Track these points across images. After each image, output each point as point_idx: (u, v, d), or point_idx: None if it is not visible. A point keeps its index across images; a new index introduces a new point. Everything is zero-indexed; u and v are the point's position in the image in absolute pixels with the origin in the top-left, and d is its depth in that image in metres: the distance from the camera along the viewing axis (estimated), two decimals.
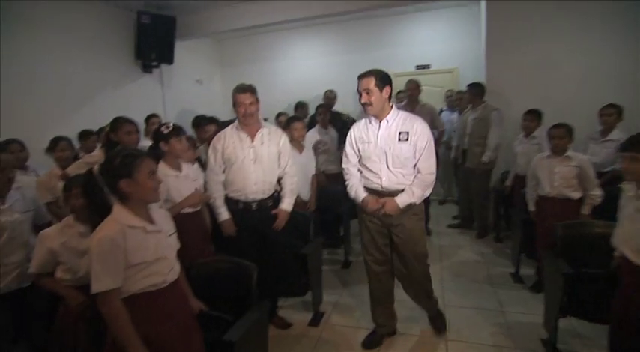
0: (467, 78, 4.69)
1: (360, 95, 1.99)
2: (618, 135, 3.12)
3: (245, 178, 2.25)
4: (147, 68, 4.87)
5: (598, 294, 1.91)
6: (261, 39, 6.18)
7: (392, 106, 2.05)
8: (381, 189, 2.07)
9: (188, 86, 5.75)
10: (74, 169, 2.36)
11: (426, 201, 2.35)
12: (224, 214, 2.28)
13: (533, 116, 3.38)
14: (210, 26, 4.92)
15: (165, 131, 2.11)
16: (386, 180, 2.05)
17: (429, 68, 5.43)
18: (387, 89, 1.98)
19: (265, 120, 2.50)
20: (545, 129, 2.88)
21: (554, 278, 2.11)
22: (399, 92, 4.46)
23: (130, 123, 2.47)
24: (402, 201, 2.01)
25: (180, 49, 5.09)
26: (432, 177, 2.04)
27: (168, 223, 1.50)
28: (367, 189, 2.13)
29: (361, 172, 2.16)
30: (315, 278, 2.60)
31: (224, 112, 5.35)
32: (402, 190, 2.04)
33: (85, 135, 3.34)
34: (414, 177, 2.04)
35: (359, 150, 2.12)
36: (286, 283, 2.43)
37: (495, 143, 3.71)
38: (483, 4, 4.08)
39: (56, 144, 2.71)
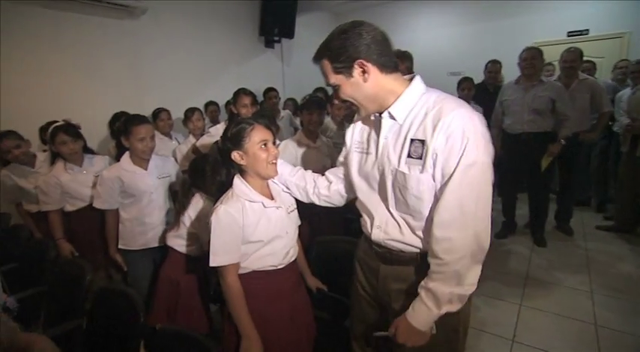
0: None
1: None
2: None
3: None
4: (269, 43, 5.03)
5: None
6: (381, 11, 5.86)
7: (411, 80, 1.06)
8: (376, 243, 1.15)
9: (306, 61, 5.76)
10: (202, 143, 2.51)
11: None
12: None
13: None
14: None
15: (301, 103, 2.16)
16: (380, 231, 1.12)
17: (587, 34, 4.42)
18: (357, 65, 1.00)
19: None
20: None
21: None
22: (548, 64, 3.71)
23: (247, 95, 2.45)
24: (419, 321, 1.01)
25: (300, 24, 5.11)
26: (468, 254, 0.96)
27: (290, 199, 1.43)
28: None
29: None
30: None
31: None
32: (408, 257, 1.09)
33: (207, 105, 3.67)
34: (431, 261, 1.00)
35: (349, 162, 1.22)
36: None
37: None
38: None
39: (192, 115, 2.93)
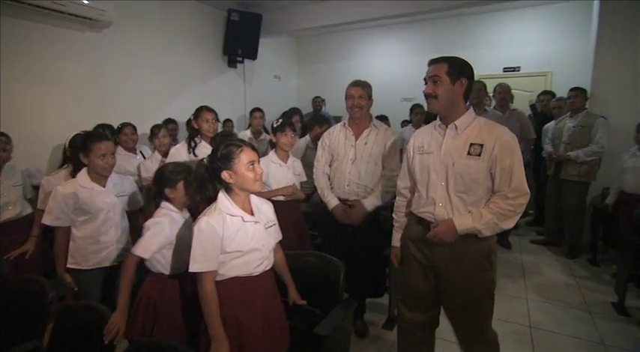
0: (563, 83, 4.28)
1: (426, 83, 1.56)
2: None
3: (341, 178, 2.24)
4: (232, 63, 5.12)
5: None
6: (339, 37, 6.21)
7: (468, 108, 1.56)
8: (433, 221, 1.57)
9: (267, 81, 5.96)
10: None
11: None
12: (333, 201, 2.25)
13: None
14: (294, 23, 5.03)
15: (275, 125, 2.30)
16: (441, 208, 1.54)
17: (519, 70, 5.05)
18: (462, 81, 1.48)
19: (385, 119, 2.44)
20: None
21: None
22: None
23: (210, 110, 2.51)
24: (461, 222, 1.48)
25: (262, 45, 5.28)
26: (523, 202, 1.46)
27: (270, 215, 1.54)
28: (415, 218, 1.68)
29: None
30: (394, 281, 2.52)
31: (299, 107, 5.46)
32: None
33: (167, 123, 3.64)
34: (493, 199, 1.49)
35: (413, 165, 1.66)
36: (367, 283, 2.38)
37: (597, 150, 3.33)
38: (596, 3, 3.67)
39: (158, 132, 2.93)
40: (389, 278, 2.45)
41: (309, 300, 1.70)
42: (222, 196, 1.40)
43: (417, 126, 3.87)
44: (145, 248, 1.56)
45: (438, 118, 1.61)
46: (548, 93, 4.38)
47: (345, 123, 2.29)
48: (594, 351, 2.24)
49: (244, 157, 1.37)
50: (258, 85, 5.65)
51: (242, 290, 1.39)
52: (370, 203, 2.18)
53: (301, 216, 2.40)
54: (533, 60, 4.95)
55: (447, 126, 1.55)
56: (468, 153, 1.47)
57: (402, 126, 4.75)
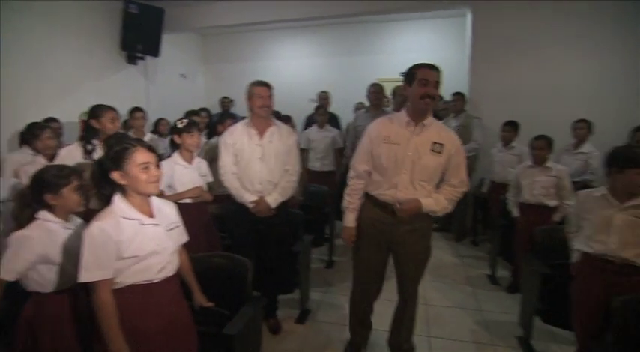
0: (447, 87, 4.85)
1: (424, 85, 1.70)
2: (589, 148, 3.36)
3: (251, 176, 2.25)
4: (131, 59, 4.76)
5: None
6: (248, 37, 6.18)
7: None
8: (391, 203, 1.82)
9: (172, 80, 5.67)
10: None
11: None
12: (251, 197, 2.23)
13: (512, 127, 3.58)
14: (199, 21, 4.89)
15: (180, 125, 2.24)
16: (402, 193, 1.80)
17: None
18: None
19: (288, 118, 2.49)
20: (521, 139, 3.05)
21: (531, 279, 2.25)
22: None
23: (114, 110, 2.40)
24: (426, 204, 1.78)
25: (166, 42, 5.03)
26: (464, 190, 1.86)
27: (172, 217, 1.49)
28: (371, 200, 1.91)
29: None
30: (304, 276, 2.64)
31: (207, 107, 5.31)
32: None
33: (48, 122, 3.18)
34: (445, 187, 1.84)
35: (377, 153, 1.84)
36: (277, 280, 2.45)
37: (474, 146, 3.90)
38: (469, 18, 4.26)
39: (41, 133, 2.60)
40: (299, 274, 2.54)
41: (218, 302, 1.71)
42: (117, 199, 1.32)
43: (321, 126, 4.10)
44: (7, 269, 1.39)
45: (406, 115, 1.81)
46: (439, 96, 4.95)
47: (247, 123, 2.29)
48: (474, 317, 2.64)
49: (138, 158, 1.29)
50: (162, 83, 5.34)
51: (143, 298, 1.32)
52: (274, 200, 2.26)
53: (209, 217, 2.38)
54: None
55: (416, 124, 1.78)
56: (432, 150, 1.76)
57: (306, 128, 4.86)
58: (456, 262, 3.59)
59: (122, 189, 1.33)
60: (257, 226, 2.30)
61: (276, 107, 4.85)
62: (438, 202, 1.80)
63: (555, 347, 2.30)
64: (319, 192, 3.57)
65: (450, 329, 2.49)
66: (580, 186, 3.25)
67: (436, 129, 1.81)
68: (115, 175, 1.29)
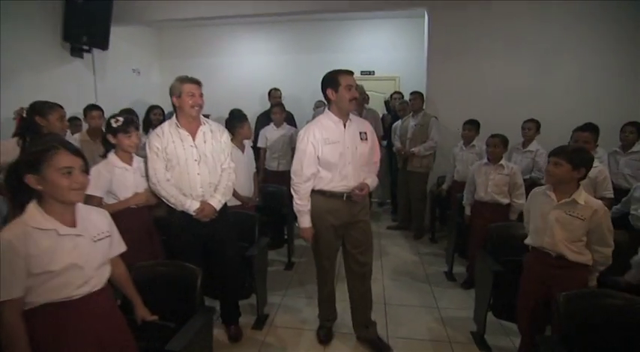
0: (408, 86, 4.94)
1: (350, 90, 2.00)
2: (536, 146, 3.52)
3: (190, 181, 2.09)
4: (76, 51, 4.41)
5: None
6: (205, 32, 5.94)
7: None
8: (347, 190, 2.08)
9: (124, 75, 5.34)
10: None
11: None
12: (194, 204, 2.09)
13: (473, 126, 3.67)
14: (152, 13, 4.61)
15: (114, 125, 2.01)
16: (353, 181, 2.08)
17: (373, 74, 5.64)
18: None
19: (207, 117, 2.35)
20: (481, 138, 3.13)
21: (485, 275, 2.30)
22: None
23: (62, 107, 2.28)
24: (370, 183, 2.15)
25: (118, 35, 4.72)
26: (377, 167, 2.29)
27: (101, 225, 1.35)
28: (325, 194, 2.11)
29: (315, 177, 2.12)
30: (260, 281, 2.56)
31: (162, 105, 5.05)
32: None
33: None
34: (369, 168, 2.19)
35: (323, 154, 2.05)
36: (232, 285, 2.35)
37: (432, 145, 3.98)
38: (426, 18, 4.32)
39: None
40: (254, 278, 2.45)
41: (164, 314, 1.60)
42: (31, 206, 1.17)
43: (278, 124, 4.04)
44: None
45: (334, 116, 2.07)
46: (399, 93, 5.02)
47: (176, 124, 2.10)
48: (431, 314, 2.67)
49: (59, 161, 1.15)
50: (112, 78, 5.00)
51: (60, 319, 1.18)
52: (218, 202, 2.15)
53: (152, 222, 2.22)
54: (385, 65, 5.61)
55: (344, 122, 2.07)
56: (361, 139, 2.08)
57: (257, 126, 4.66)
58: (415, 260, 3.64)
59: (39, 196, 1.19)
60: (201, 231, 2.16)
61: (232, 104, 4.83)
62: (373, 181, 2.18)
63: (507, 341, 2.37)
64: (277, 192, 3.48)
65: (408, 328, 2.50)
66: (529, 183, 3.39)
67: (356, 122, 2.14)
68: (30, 179, 1.15)
